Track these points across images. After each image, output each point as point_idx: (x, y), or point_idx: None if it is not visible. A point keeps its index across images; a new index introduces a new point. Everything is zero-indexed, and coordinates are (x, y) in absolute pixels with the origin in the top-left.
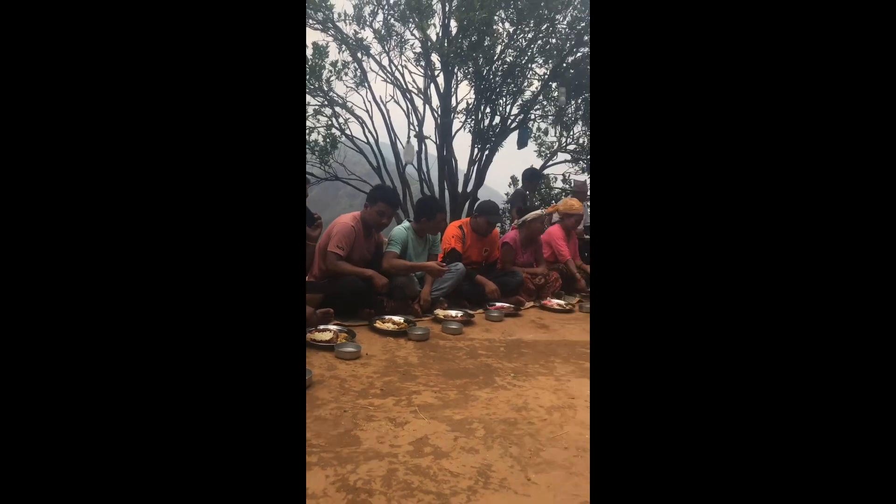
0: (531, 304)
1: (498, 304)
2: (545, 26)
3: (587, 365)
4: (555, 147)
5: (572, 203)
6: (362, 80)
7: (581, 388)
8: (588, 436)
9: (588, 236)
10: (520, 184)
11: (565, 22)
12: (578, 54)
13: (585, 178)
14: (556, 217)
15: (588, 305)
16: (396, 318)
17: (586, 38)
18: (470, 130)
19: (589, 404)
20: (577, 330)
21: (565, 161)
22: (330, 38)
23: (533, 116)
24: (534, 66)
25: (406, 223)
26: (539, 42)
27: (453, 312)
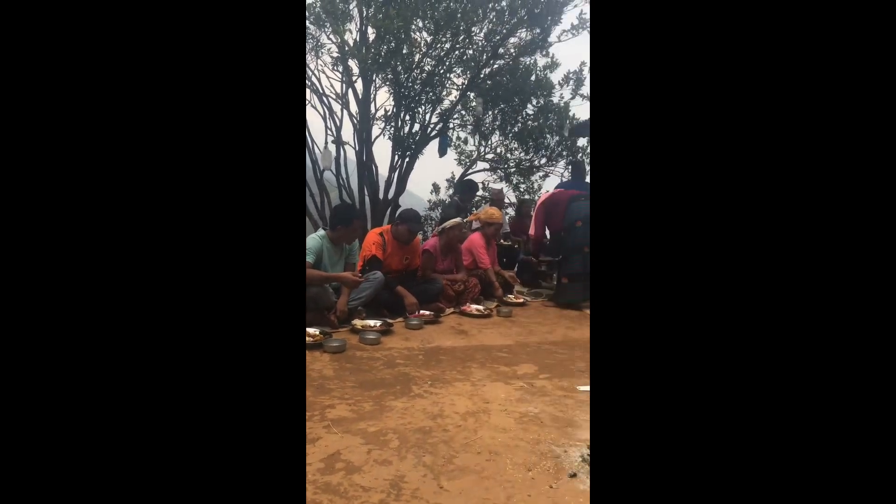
0: (451, 310)
1: (418, 312)
2: (462, 37)
3: (503, 368)
4: (474, 156)
5: (492, 212)
6: None
7: (496, 391)
8: (500, 438)
9: (506, 242)
10: (441, 191)
11: (482, 34)
12: (495, 66)
13: (503, 186)
14: (475, 225)
15: (506, 310)
16: (311, 330)
17: (502, 50)
18: (389, 137)
19: (503, 408)
20: (495, 334)
21: (484, 170)
22: None
23: (452, 125)
24: (452, 75)
25: (321, 231)
26: (457, 52)
27: (371, 322)
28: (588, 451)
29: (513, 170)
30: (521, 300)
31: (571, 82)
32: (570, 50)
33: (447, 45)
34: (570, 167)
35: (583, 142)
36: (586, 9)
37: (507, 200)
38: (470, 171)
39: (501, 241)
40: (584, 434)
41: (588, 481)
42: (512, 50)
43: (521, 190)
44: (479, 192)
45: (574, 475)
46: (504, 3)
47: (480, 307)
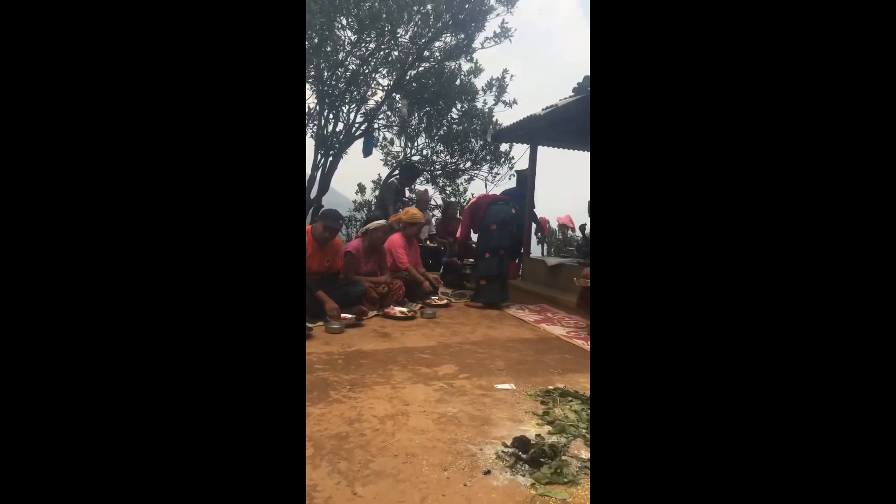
0: (374, 313)
1: (339, 316)
2: (387, 38)
3: (424, 370)
4: (400, 157)
5: (414, 212)
6: None
7: (416, 393)
8: (418, 440)
9: (431, 244)
10: (367, 192)
11: (407, 36)
12: (421, 68)
13: (427, 188)
14: (398, 225)
15: (429, 311)
16: None
17: (427, 53)
18: (312, 135)
19: (422, 409)
20: (418, 336)
21: None
22: None
23: (377, 126)
24: (377, 76)
25: None
26: (382, 53)
27: None
28: (503, 448)
29: (438, 172)
30: (445, 301)
31: (494, 88)
32: (493, 57)
33: (372, 45)
34: (515, 175)
35: (505, 146)
36: (508, 18)
37: (432, 202)
38: (396, 172)
39: (427, 242)
40: (500, 432)
41: (501, 476)
42: (437, 54)
43: (447, 192)
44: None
45: (488, 472)
46: (429, 7)
47: (404, 309)
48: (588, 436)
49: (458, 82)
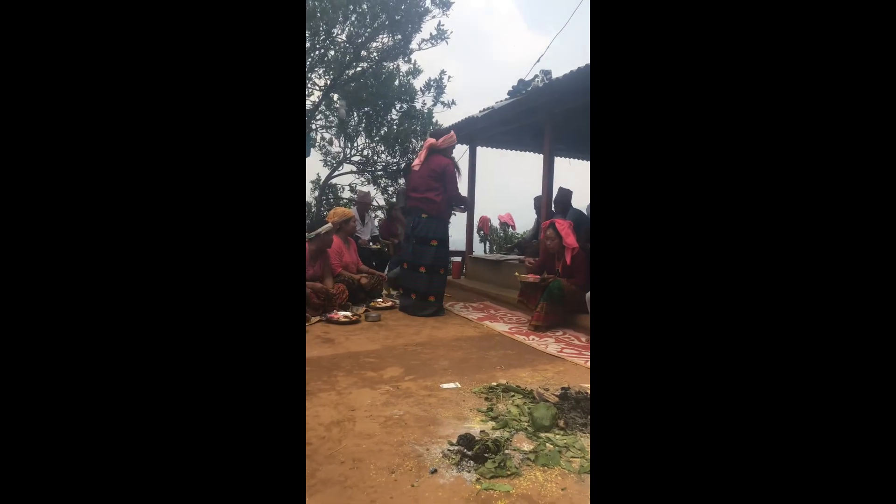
0: (317, 318)
1: None
2: (323, 37)
3: (370, 374)
4: (340, 157)
5: (342, 211)
6: None
7: (361, 398)
8: (365, 445)
9: (375, 245)
10: (306, 193)
11: (344, 35)
12: (358, 68)
13: (369, 189)
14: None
15: (374, 314)
16: None
17: (364, 53)
18: None
19: (368, 413)
20: (362, 339)
21: (351, 172)
22: None
23: (315, 126)
24: (313, 75)
25: None
26: (318, 52)
27: None
28: (448, 446)
29: (380, 173)
30: (390, 303)
31: (433, 89)
32: (431, 58)
33: (307, 44)
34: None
35: None
36: (444, 20)
37: (374, 203)
38: (336, 172)
39: (371, 244)
40: (446, 430)
41: (447, 475)
42: (374, 54)
43: (389, 193)
44: (347, 195)
45: (435, 471)
46: (364, 7)
47: (348, 313)
48: (529, 428)
49: (396, 83)
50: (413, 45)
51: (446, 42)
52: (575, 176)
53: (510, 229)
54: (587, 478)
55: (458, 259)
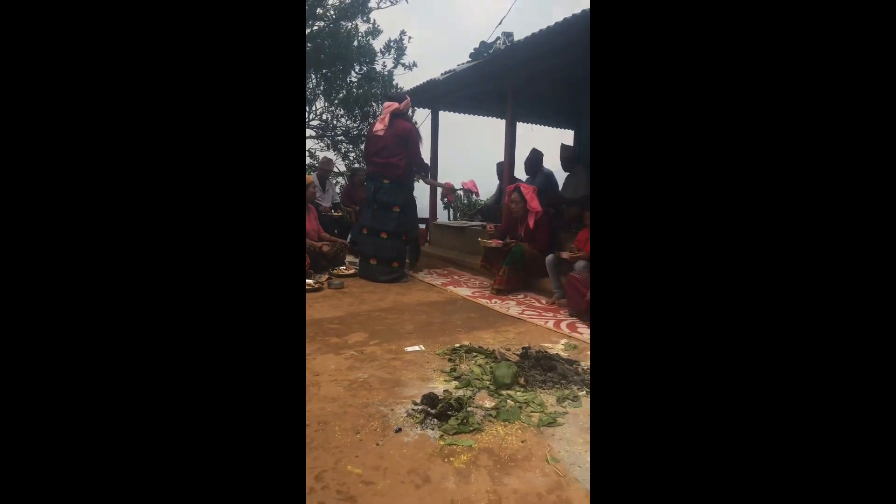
0: None
1: None
2: None
3: (334, 340)
4: None
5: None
6: None
7: (326, 363)
8: (329, 408)
9: (337, 213)
10: None
11: None
12: (315, 27)
13: (331, 154)
14: None
15: (337, 281)
16: None
17: (320, 10)
18: None
19: (333, 378)
20: (325, 307)
21: (311, 137)
22: None
23: None
24: None
25: None
26: None
27: None
28: (413, 406)
29: (340, 137)
30: (353, 271)
31: (393, 50)
32: (390, 18)
33: None
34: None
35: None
36: None
37: (335, 169)
38: None
39: (332, 211)
40: (410, 391)
41: (411, 433)
42: (332, 12)
43: (351, 158)
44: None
45: (399, 430)
46: None
47: (310, 281)
48: (491, 386)
49: (355, 44)
50: (372, 4)
51: (406, 1)
52: (538, 141)
53: (473, 196)
54: (546, 430)
55: (423, 226)
